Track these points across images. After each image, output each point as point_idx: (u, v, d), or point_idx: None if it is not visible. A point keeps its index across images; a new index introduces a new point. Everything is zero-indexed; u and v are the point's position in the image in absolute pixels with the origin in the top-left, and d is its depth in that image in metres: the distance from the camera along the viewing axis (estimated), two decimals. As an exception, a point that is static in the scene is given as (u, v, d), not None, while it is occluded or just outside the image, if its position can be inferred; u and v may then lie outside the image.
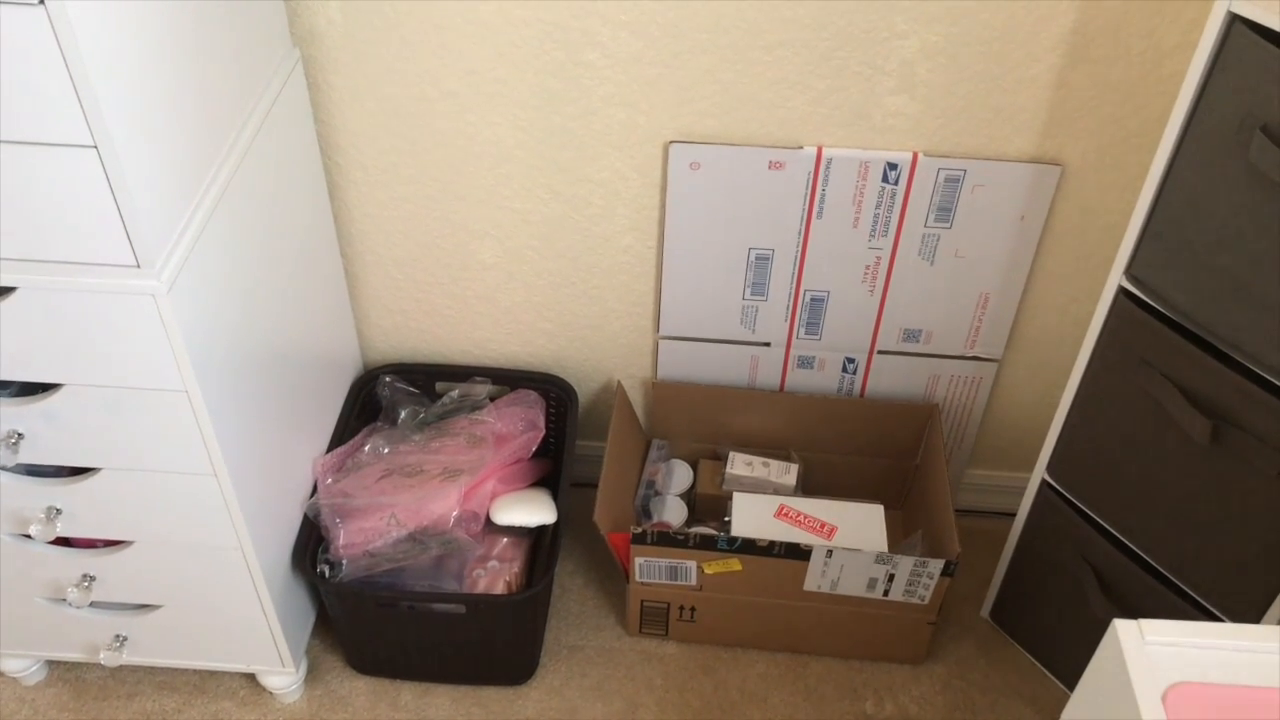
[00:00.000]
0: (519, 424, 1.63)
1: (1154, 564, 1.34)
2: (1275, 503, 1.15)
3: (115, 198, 0.99)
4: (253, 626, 1.43)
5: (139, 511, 1.29)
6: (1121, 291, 1.24)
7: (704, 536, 1.48)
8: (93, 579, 1.37)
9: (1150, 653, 0.84)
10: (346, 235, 1.59)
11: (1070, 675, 1.59)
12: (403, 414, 1.65)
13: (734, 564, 1.50)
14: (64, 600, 1.38)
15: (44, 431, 1.20)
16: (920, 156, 1.42)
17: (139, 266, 1.05)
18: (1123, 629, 0.85)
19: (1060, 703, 1.60)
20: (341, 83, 1.42)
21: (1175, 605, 1.32)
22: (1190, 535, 1.27)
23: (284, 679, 1.54)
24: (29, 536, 1.29)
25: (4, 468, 1.25)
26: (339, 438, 1.60)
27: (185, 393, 1.15)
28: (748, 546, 1.47)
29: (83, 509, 1.29)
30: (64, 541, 1.36)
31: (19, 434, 1.20)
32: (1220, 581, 1.26)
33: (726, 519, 1.63)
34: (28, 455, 1.22)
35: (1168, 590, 1.32)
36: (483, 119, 1.44)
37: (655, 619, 1.63)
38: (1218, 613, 1.28)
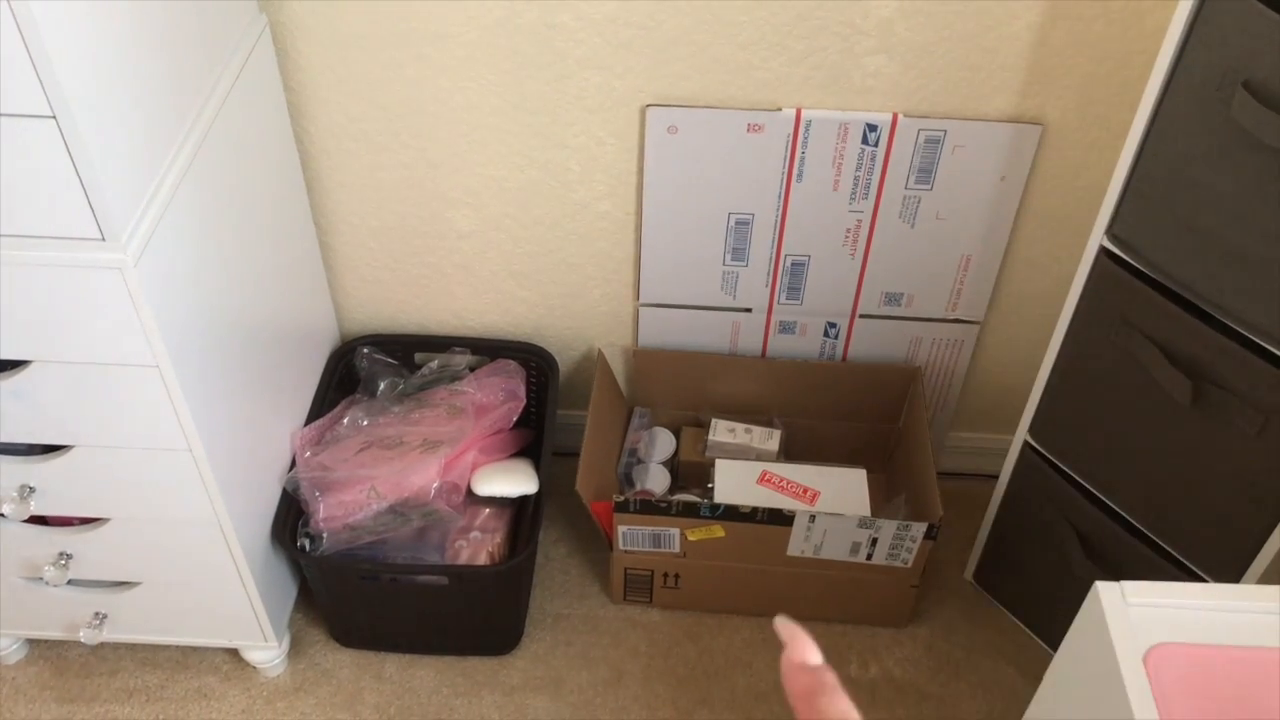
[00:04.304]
0: (499, 394, 1.61)
1: (1136, 524, 1.34)
2: (1255, 461, 1.15)
3: (77, 169, 0.97)
4: (233, 602, 1.42)
5: (114, 488, 1.27)
6: (1103, 251, 1.23)
7: (687, 504, 1.48)
8: (69, 557, 1.36)
9: (1132, 614, 0.84)
10: (320, 204, 1.56)
11: (1053, 636, 1.60)
12: (382, 385, 1.64)
13: (717, 531, 1.50)
14: (41, 579, 1.36)
15: (13, 409, 1.18)
16: (900, 117, 1.40)
17: (104, 239, 1.03)
18: (1105, 591, 0.85)
19: (1044, 663, 1.60)
20: (311, 49, 1.39)
21: (1157, 564, 1.32)
22: (1171, 495, 1.27)
23: (267, 653, 1.53)
24: (2, 515, 1.27)
25: (-26, 446, 1.23)
26: (317, 410, 1.58)
27: (156, 367, 1.13)
28: (730, 513, 1.47)
29: (56, 487, 1.27)
30: (39, 520, 1.35)
31: (-12, 412, 1.18)
32: (1201, 540, 1.26)
33: (709, 485, 1.63)
34: (-2, 433, 1.21)
35: (1149, 550, 1.33)
36: (455, 84, 1.41)
37: (639, 586, 1.63)
38: (1199, 571, 1.28)
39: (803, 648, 0.41)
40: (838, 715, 0.38)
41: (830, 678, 0.40)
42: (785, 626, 0.41)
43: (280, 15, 1.35)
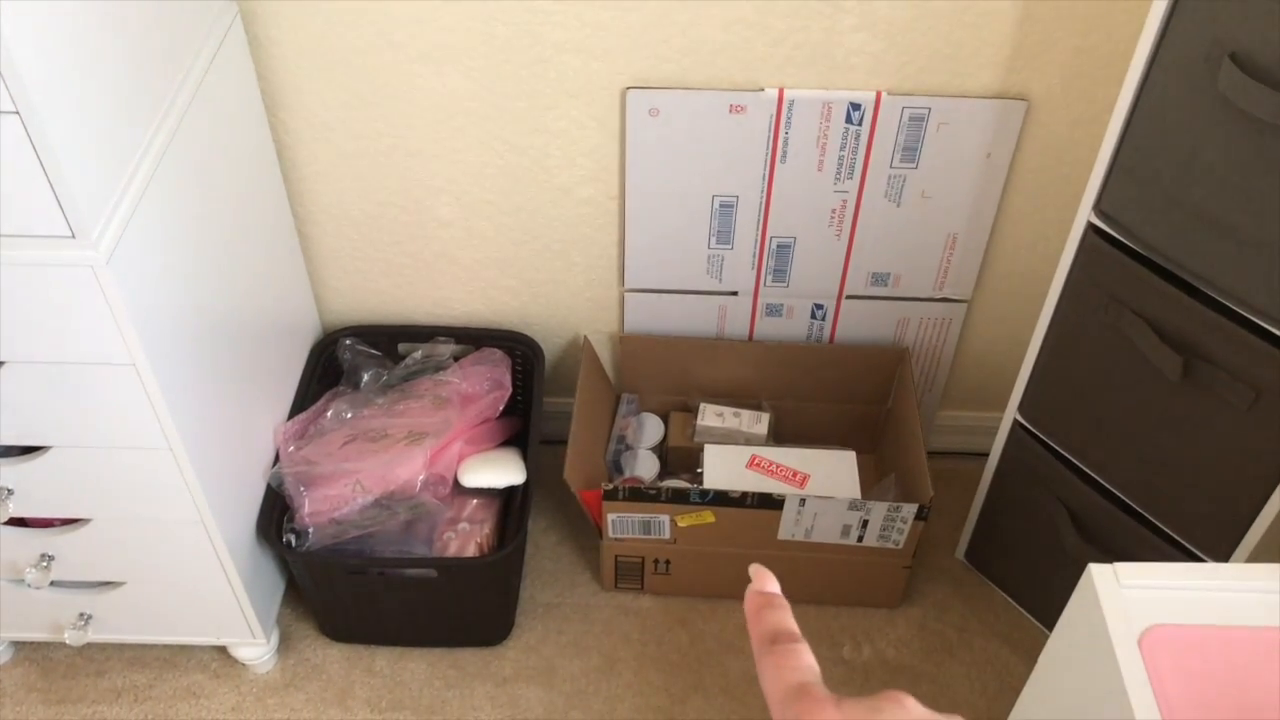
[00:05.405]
0: (485, 383, 1.60)
1: (1127, 501, 1.33)
2: (1246, 437, 1.15)
3: (43, 164, 0.95)
4: (220, 599, 1.41)
5: (93, 489, 1.25)
6: (1090, 228, 1.22)
7: (676, 490, 1.46)
8: (51, 558, 1.34)
9: (1126, 596, 0.83)
10: (297, 195, 1.54)
11: (1046, 614, 1.60)
12: (365, 377, 1.62)
13: (707, 516, 1.49)
14: (23, 581, 1.34)
15: (-12, 411, 1.16)
16: (884, 95, 1.39)
17: (74, 237, 1.00)
18: (1098, 573, 0.84)
19: (1037, 641, 1.60)
20: (284, 37, 1.36)
21: (1148, 541, 1.31)
22: (1162, 471, 1.26)
23: (255, 650, 1.52)
24: (-19, 518, 1.25)
25: (-51, 449, 1.21)
26: (300, 404, 1.56)
27: (133, 365, 1.11)
28: (720, 498, 1.46)
29: (35, 488, 1.25)
30: (19, 521, 1.33)
31: (-38, 414, 1.16)
32: (1193, 517, 1.26)
33: (699, 471, 1.62)
34: (-27, 436, 1.18)
35: (1141, 527, 1.32)
36: (432, 70, 1.39)
37: (630, 573, 1.62)
38: (1190, 547, 1.28)
39: (763, 580, 0.47)
40: (773, 623, 0.44)
41: (779, 600, 0.46)
42: (755, 568, 0.48)
43: (251, 3, 1.33)
